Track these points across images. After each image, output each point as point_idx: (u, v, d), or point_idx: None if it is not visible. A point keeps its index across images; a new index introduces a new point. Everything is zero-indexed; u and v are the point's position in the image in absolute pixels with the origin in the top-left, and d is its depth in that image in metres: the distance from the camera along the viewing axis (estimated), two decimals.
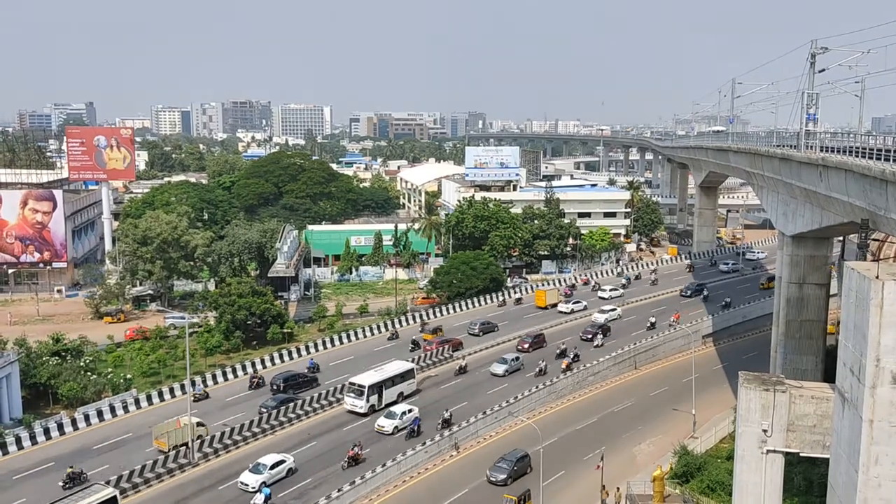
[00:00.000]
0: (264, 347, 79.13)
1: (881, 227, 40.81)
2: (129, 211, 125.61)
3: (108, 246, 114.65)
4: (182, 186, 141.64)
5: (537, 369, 68.39)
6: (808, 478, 44.43)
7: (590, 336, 78.70)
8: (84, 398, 62.66)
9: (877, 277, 21.93)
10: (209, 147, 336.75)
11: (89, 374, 65.77)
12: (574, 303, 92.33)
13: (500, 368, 69.35)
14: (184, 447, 51.61)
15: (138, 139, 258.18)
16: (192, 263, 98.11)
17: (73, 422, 57.11)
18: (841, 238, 69.35)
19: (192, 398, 59.89)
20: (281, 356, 72.97)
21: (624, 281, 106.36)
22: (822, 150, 47.88)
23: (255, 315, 79.80)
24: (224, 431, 54.78)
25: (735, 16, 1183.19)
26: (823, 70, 53.68)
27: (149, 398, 62.18)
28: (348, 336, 79.78)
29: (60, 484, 47.43)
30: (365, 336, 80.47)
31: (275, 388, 64.47)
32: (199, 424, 54.57)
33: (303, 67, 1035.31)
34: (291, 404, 59.72)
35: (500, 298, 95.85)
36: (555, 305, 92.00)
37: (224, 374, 68.26)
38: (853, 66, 52.72)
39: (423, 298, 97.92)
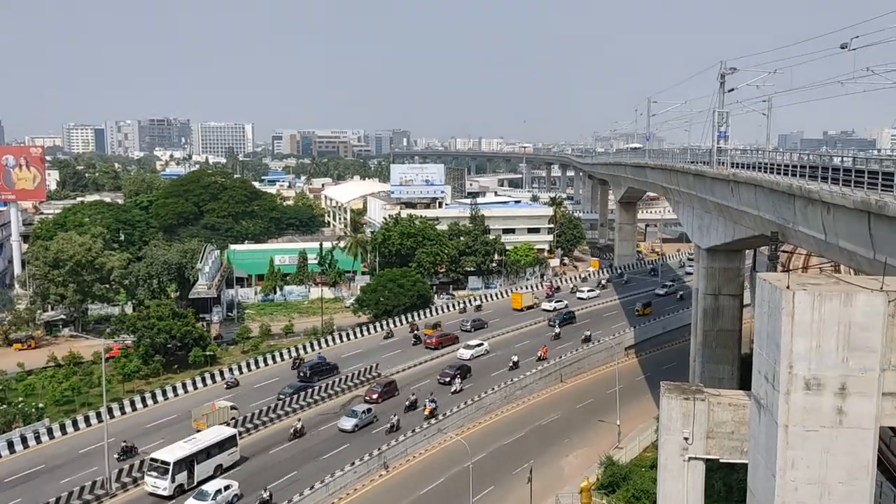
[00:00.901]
0: (186, 371, 76.85)
1: (790, 239, 42.64)
2: (39, 233, 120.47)
3: (17, 269, 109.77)
4: (96, 206, 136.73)
5: (388, 424, 59.71)
6: (727, 483, 45.76)
7: (448, 379, 70.83)
8: None
9: (787, 288, 22.83)
10: (125, 166, 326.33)
11: None
12: (556, 301, 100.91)
13: (348, 423, 60.41)
14: (226, 424, 58.08)
15: (49, 158, 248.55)
16: (107, 286, 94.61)
17: None
18: (752, 250, 72.20)
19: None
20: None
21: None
22: (733, 167, 49.83)
23: (175, 338, 77.53)
24: (249, 415, 61.51)
25: (650, 37, 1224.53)
26: (733, 89, 55.94)
27: (62, 428, 59.45)
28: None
29: (115, 456, 53.24)
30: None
31: (302, 374, 72.39)
32: (232, 408, 61.57)
33: (223, 84, 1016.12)
34: (307, 391, 67.07)
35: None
36: (530, 307, 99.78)
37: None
38: (760, 85, 55.22)
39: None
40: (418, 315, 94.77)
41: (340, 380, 70.91)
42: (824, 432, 22.81)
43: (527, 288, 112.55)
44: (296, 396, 66.12)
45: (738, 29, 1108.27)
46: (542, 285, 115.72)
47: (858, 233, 30.92)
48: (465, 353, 78.98)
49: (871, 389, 22.57)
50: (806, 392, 22.80)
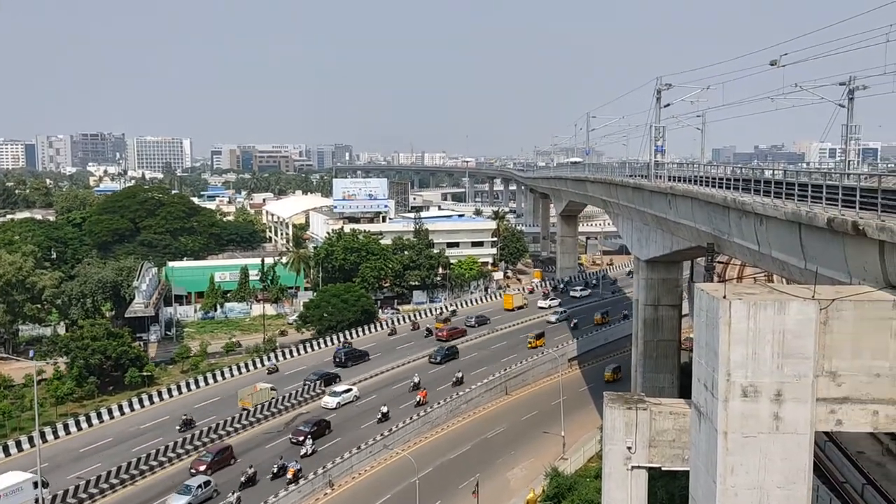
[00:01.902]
0: (122, 392, 74.74)
1: (725, 250, 43.72)
2: None
3: None
4: (26, 224, 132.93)
5: None
6: (669, 491, 46.40)
7: (301, 438, 59.72)
8: None
9: (724, 297, 23.32)
10: (57, 182, 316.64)
11: None
12: (551, 300, 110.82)
13: (180, 502, 49.37)
14: (266, 403, 67.55)
15: None
16: (39, 306, 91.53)
17: None
18: (690, 261, 73.76)
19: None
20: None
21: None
22: (670, 180, 50.92)
23: (110, 359, 75.28)
24: (285, 395, 69.84)
25: (589, 52, 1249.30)
26: (668, 105, 57.29)
27: None
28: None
29: (177, 428, 61.83)
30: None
31: (338, 359, 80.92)
32: (272, 388, 70.55)
33: (159, 98, 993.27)
34: (329, 378, 74.75)
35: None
36: (521, 307, 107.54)
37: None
38: (695, 101, 56.75)
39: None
40: (362, 331, 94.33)
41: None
42: (762, 438, 23.30)
43: (516, 289, 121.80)
44: (320, 382, 73.04)
45: (672, 47, 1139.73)
46: (526, 287, 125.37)
47: (790, 243, 31.86)
48: (331, 402, 68.97)
49: (805, 395, 23.18)
50: (743, 399, 23.27)
